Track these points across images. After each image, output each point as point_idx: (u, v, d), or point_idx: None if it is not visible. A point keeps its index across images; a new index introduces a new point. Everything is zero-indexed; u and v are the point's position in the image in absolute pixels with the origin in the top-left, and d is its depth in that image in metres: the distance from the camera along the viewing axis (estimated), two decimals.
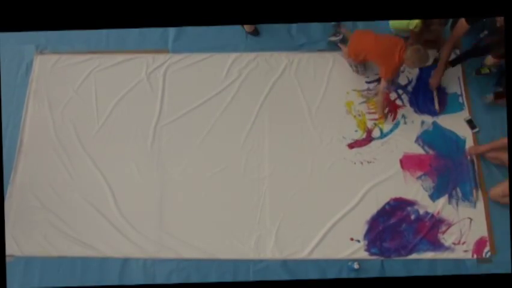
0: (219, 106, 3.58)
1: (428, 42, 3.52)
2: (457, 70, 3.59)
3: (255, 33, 3.75)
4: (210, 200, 3.31)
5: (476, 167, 3.32)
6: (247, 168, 3.37)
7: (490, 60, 3.46)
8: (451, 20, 3.54)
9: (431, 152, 3.39)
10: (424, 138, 3.43)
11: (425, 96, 3.55)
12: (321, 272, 3.10)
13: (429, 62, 3.42)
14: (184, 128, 3.53)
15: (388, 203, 3.25)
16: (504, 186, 3.08)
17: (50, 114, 3.61)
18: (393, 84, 3.53)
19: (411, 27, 3.30)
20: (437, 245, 3.12)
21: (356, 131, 3.47)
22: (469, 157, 3.34)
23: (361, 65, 3.56)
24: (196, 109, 3.58)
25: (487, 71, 3.54)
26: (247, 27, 3.72)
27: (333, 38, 3.67)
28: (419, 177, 3.32)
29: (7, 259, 3.07)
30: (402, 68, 3.61)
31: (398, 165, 3.35)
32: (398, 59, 3.14)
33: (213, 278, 3.10)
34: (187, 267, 3.15)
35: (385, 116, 3.49)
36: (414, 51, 3.06)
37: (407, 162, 3.36)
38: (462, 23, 3.16)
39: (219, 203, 3.30)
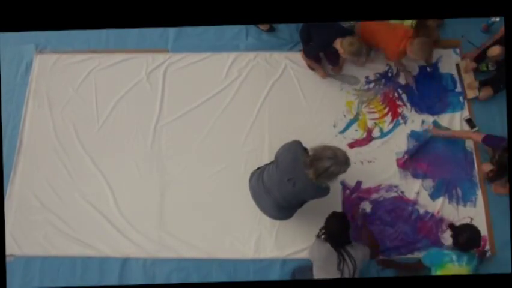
0: (218, 106, 3.58)
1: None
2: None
3: (271, 30, 3.77)
4: (210, 200, 3.30)
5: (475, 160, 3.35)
6: (247, 168, 3.36)
7: (494, 51, 3.27)
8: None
9: (431, 151, 3.39)
10: (424, 138, 3.42)
11: (426, 95, 3.55)
12: None
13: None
14: (184, 128, 3.53)
15: (388, 203, 3.25)
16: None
17: (50, 114, 3.60)
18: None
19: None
20: (438, 244, 3.12)
21: (356, 130, 3.47)
22: (429, 134, 3.40)
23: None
24: (196, 109, 3.58)
25: (485, 69, 3.54)
26: (263, 26, 3.74)
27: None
28: (419, 177, 3.32)
29: (7, 259, 3.09)
30: (402, 68, 3.63)
31: (398, 164, 3.36)
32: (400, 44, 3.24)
33: (213, 278, 3.10)
34: (187, 267, 3.15)
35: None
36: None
37: (407, 162, 3.36)
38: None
39: (219, 203, 3.29)
